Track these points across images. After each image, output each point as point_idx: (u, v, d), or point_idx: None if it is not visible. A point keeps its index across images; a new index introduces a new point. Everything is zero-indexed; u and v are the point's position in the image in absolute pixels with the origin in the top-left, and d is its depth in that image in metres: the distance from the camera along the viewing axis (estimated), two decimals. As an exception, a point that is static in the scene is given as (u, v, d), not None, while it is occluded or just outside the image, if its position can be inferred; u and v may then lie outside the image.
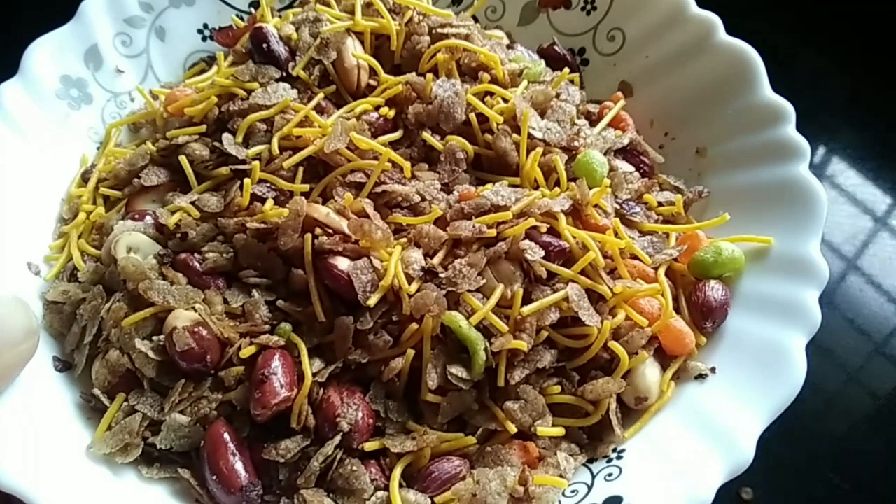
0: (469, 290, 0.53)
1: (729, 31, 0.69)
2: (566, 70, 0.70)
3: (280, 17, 0.77)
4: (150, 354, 0.52)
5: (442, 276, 0.54)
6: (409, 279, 0.53)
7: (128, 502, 0.48)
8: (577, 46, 0.78)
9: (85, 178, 0.66)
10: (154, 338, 0.54)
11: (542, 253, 0.54)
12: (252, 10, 0.78)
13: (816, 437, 0.77)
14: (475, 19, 0.79)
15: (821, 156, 0.99)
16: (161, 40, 0.75)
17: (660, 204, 0.64)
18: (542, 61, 0.71)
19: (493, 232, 0.55)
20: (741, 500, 0.71)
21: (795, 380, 0.49)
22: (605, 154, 0.65)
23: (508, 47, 0.74)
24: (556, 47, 0.76)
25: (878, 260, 0.90)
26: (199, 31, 0.77)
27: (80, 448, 0.51)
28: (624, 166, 0.65)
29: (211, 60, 0.77)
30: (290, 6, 0.79)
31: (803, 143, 0.61)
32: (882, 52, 1.09)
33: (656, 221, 0.63)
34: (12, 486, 0.45)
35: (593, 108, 0.73)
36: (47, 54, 0.67)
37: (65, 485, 0.47)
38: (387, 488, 0.50)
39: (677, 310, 0.58)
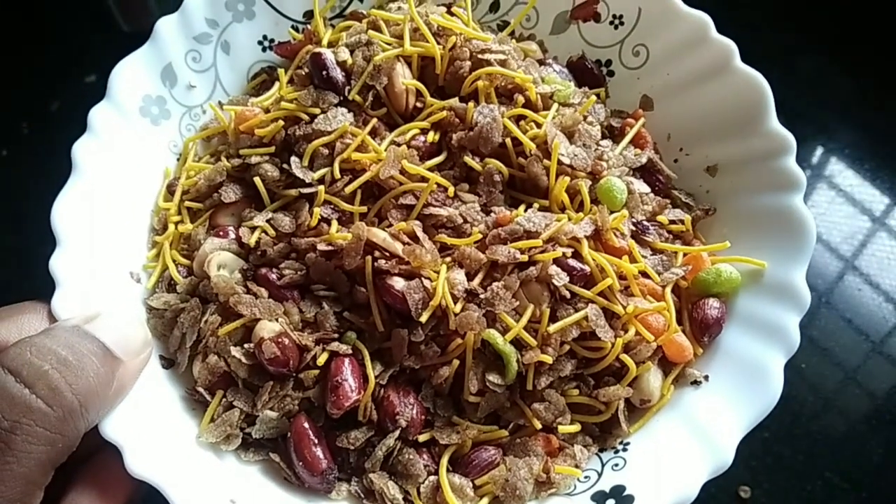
0: (504, 310, 0.64)
1: (728, 31, 0.74)
2: (592, 98, 0.77)
3: (332, 26, 0.84)
4: (243, 360, 0.64)
5: (482, 296, 0.64)
6: (455, 299, 0.64)
7: (233, 481, 0.61)
8: (605, 58, 0.84)
9: (170, 191, 0.76)
10: (245, 345, 0.65)
11: (568, 279, 0.64)
12: (306, 20, 0.85)
13: (814, 436, 0.82)
14: (507, 25, 0.86)
15: (819, 156, 1.03)
16: (226, 54, 0.82)
17: (671, 222, 0.73)
18: (572, 83, 0.79)
19: (525, 257, 0.65)
20: (740, 498, 0.79)
21: (772, 395, 0.60)
22: (625, 175, 0.74)
23: (540, 63, 0.82)
24: (585, 60, 0.83)
25: (876, 260, 0.93)
26: (260, 43, 0.84)
27: (190, 437, 0.63)
28: (641, 186, 0.74)
29: (272, 71, 0.84)
30: (341, 14, 0.86)
31: (801, 175, 0.68)
32: (882, 53, 1.09)
33: (666, 239, 0.73)
34: (143, 472, 0.57)
35: (616, 122, 0.80)
36: (130, 76, 0.75)
37: (183, 470, 0.59)
38: (437, 473, 0.62)
39: (680, 321, 0.68)
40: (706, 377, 0.65)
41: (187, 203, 0.75)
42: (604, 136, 0.78)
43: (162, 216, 0.75)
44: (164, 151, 0.78)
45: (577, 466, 0.63)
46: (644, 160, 0.76)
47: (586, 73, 0.83)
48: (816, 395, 0.85)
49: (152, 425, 0.61)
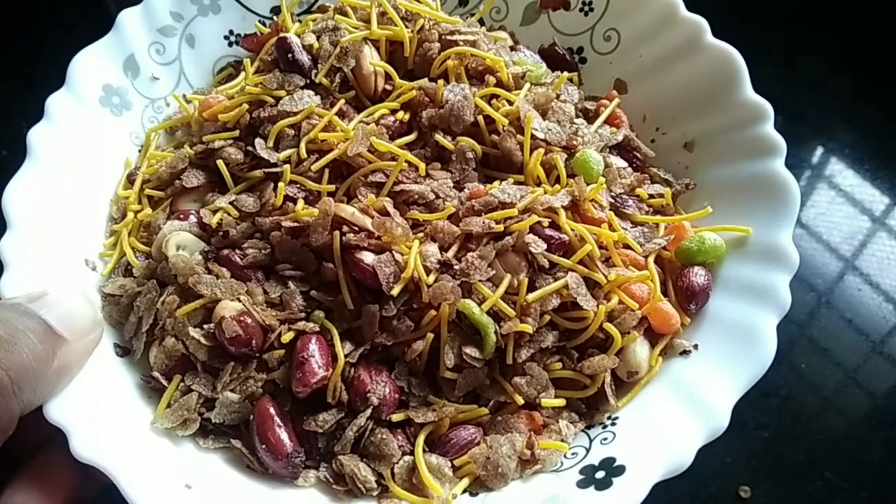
0: (480, 280, 0.60)
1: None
2: (565, 74, 0.76)
3: (300, 21, 0.83)
4: (202, 341, 0.60)
5: (456, 267, 0.61)
6: (427, 271, 0.60)
7: (189, 469, 0.56)
8: (576, 45, 0.83)
9: (130, 181, 0.73)
10: (204, 326, 0.61)
11: (545, 246, 0.61)
12: (273, 15, 0.84)
13: (814, 436, 0.80)
14: (481, 20, 0.85)
15: (819, 156, 1.02)
16: (191, 47, 0.81)
17: (651, 196, 0.71)
18: (544, 64, 0.77)
19: (500, 227, 0.62)
20: (739, 498, 0.76)
21: (765, 356, 0.56)
22: (601, 151, 0.72)
23: (512, 49, 0.80)
24: (556, 47, 0.82)
25: (876, 260, 0.92)
26: (226, 38, 0.83)
27: (145, 423, 0.58)
28: (618, 162, 0.72)
29: (238, 65, 0.83)
30: (308, 10, 0.85)
31: (780, 140, 0.67)
32: (881, 53, 1.10)
33: (647, 213, 0.70)
34: (89, 456, 0.52)
35: (590, 105, 0.79)
36: (90, 65, 0.73)
37: (133, 454, 0.54)
38: (412, 453, 0.58)
39: (665, 293, 0.65)
40: (695, 346, 0.62)
41: (148, 191, 0.72)
42: (578, 118, 0.77)
43: (121, 205, 0.72)
44: (124, 142, 0.76)
45: (563, 441, 0.58)
46: (620, 137, 0.74)
47: (558, 60, 0.82)
48: (816, 395, 0.83)
49: (103, 410, 0.56)
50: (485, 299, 0.60)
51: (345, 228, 0.63)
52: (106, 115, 0.74)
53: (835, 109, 1.07)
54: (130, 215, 0.70)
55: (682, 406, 0.57)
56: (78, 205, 0.69)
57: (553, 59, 0.82)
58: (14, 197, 0.64)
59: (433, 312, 0.60)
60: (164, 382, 0.60)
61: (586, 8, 0.82)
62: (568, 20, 0.83)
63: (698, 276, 0.64)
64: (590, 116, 0.78)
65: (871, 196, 0.99)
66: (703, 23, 0.74)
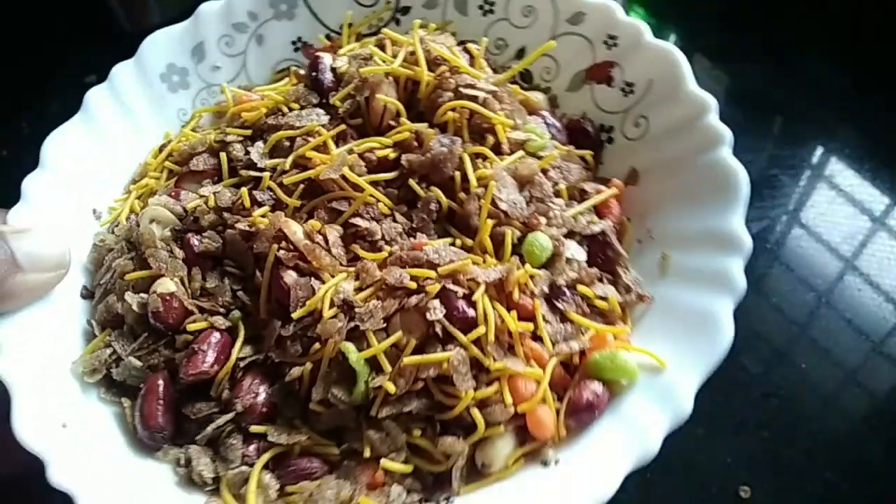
0: (371, 329, 0.62)
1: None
2: (554, 153, 0.74)
3: (358, 42, 0.88)
4: (134, 307, 0.68)
5: (356, 310, 0.63)
6: (332, 305, 0.64)
7: (75, 411, 0.64)
8: (608, 124, 0.81)
9: (161, 151, 0.83)
10: (142, 294, 0.69)
11: (443, 314, 0.62)
12: (340, 31, 0.90)
13: (814, 436, 0.80)
14: (529, 74, 0.85)
15: (819, 156, 1.01)
16: (259, 45, 0.89)
17: (599, 297, 0.68)
18: (548, 135, 0.76)
19: (413, 284, 0.63)
20: (739, 498, 0.75)
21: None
22: (570, 237, 0.70)
23: (532, 112, 0.79)
24: (583, 121, 0.80)
25: (876, 260, 0.91)
26: (293, 43, 0.90)
27: (68, 361, 0.68)
28: (576, 254, 0.69)
29: (297, 69, 0.90)
30: (375, 33, 0.90)
31: (741, 281, 0.61)
32: (882, 53, 1.07)
33: (584, 313, 0.67)
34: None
35: (591, 187, 0.76)
36: (161, 45, 0.84)
37: (36, 379, 0.62)
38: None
39: (562, 399, 0.62)
40: (556, 461, 0.59)
41: (168, 164, 0.81)
42: (572, 198, 0.75)
43: (144, 169, 0.82)
44: (171, 117, 0.86)
45: (385, 505, 0.59)
46: (597, 230, 0.71)
47: (582, 134, 0.80)
48: (816, 395, 0.84)
49: (35, 337, 0.66)
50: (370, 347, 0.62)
51: (284, 244, 0.67)
52: (162, 89, 0.85)
53: (835, 109, 1.06)
54: (145, 180, 0.80)
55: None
56: (110, 162, 0.80)
57: (576, 132, 0.80)
58: (54, 142, 0.75)
59: (318, 345, 0.63)
60: (96, 332, 0.69)
61: (627, 89, 0.79)
62: (608, 96, 0.81)
63: (591, 392, 0.61)
64: (585, 198, 0.75)
65: (871, 196, 0.99)
66: (726, 133, 0.69)
